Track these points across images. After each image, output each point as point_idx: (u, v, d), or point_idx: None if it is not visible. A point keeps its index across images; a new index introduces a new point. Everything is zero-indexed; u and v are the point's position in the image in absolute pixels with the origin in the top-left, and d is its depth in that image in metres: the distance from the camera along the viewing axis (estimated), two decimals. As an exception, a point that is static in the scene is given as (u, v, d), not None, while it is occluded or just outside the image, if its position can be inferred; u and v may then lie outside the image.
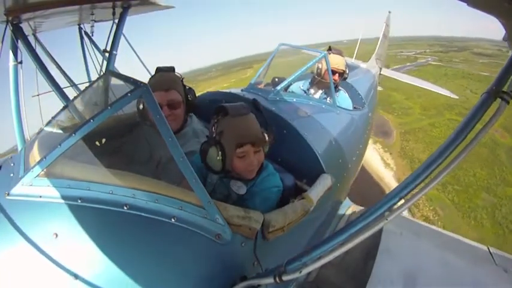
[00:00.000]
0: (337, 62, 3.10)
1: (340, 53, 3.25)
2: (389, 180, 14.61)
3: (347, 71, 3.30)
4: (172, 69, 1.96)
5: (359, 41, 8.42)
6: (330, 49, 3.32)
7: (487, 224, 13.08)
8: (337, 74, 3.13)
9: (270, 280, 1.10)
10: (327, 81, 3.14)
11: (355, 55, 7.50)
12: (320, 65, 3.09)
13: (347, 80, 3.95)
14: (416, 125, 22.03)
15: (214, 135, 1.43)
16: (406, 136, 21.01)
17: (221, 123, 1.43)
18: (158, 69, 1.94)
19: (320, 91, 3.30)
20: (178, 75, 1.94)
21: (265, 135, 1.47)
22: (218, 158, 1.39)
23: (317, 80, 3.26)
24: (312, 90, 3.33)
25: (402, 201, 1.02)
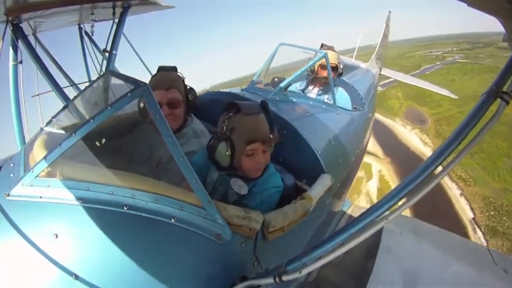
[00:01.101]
0: (329, 57, 3.11)
1: (331, 49, 3.27)
2: (428, 153, 16.98)
3: (341, 66, 3.32)
4: (174, 68, 1.95)
5: (359, 41, 8.41)
6: (322, 46, 3.35)
7: (509, 179, 17.69)
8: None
9: (270, 280, 1.10)
10: (321, 77, 3.19)
11: (354, 55, 7.49)
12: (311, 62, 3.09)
13: (347, 80, 3.95)
14: (447, 113, 26.52)
15: (224, 130, 1.44)
16: (439, 122, 26.04)
17: (232, 120, 1.44)
18: (160, 69, 1.94)
19: (316, 88, 3.31)
20: (179, 74, 1.94)
21: (272, 136, 1.48)
22: (227, 153, 1.40)
23: (312, 77, 3.29)
24: (309, 88, 3.34)
25: (402, 201, 1.02)
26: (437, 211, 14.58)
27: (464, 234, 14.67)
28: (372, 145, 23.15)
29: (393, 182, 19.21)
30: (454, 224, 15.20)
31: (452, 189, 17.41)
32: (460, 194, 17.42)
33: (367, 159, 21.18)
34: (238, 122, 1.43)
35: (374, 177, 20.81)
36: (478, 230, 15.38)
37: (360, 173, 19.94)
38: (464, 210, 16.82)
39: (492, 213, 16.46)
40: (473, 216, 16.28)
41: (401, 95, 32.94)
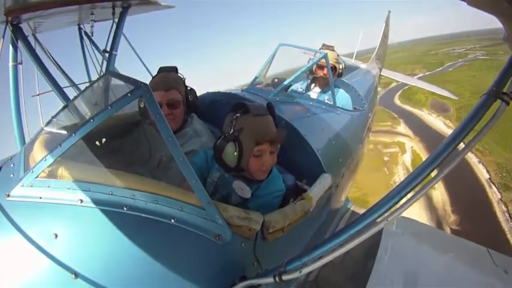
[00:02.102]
0: (329, 57, 3.11)
1: (331, 49, 3.28)
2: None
3: (340, 66, 3.33)
4: (174, 69, 1.96)
5: (359, 41, 8.42)
6: (322, 46, 3.37)
7: (521, 151, 21.30)
8: (326, 69, 3.13)
9: (270, 280, 1.10)
10: (320, 76, 3.21)
11: (354, 56, 7.49)
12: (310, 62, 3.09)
13: (348, 81, 3.96)
14: (467, 103, 29.14)
15: (232, 131, 1.43)
16: (460, 110, 29.60)
17: (241, 120, 1.44)
18: (160, 69, 1.95)
19: (317, 89, 3.32)
20: (180, 75, 1.94)
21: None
22: (235, 154, 1.40)
23: (311, 78, 3.31)
24: (309, 89, 3.36)
25: (402, 201, 1.02)
26: (461, 174, 19.42)
27: (482, 190, 19.63)
28: (404, 129, 30.12)
29: (423, 155, 23.91)
30: (475, 183, 20.33)
31: (472, 158, 22.26)
32: (478, 162, 22.32)
33: (401, 138, 28.04)
34: (246, 123, 1.43)
35: (407, 152, 26.04)
36: (493, 186, 20.01)
37: (395, 149, 26.45)
38: (482, 173, 21.46)
39: (504, 174, 21.14)
40: (489, 176, 20.96)
41: (427, 90, 35.99)
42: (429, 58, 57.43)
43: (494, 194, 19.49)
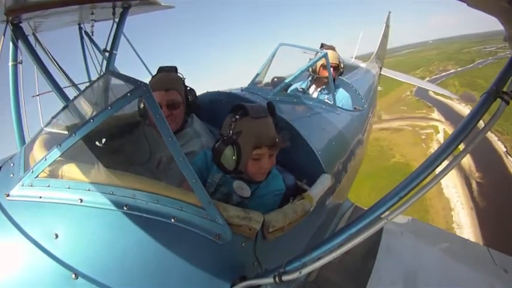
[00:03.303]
0: (329, 56, 3.11)
1: (331, 49, 3.28)
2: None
3: (342, 65, 3.33)
4: (174, 69, 1.95)
5: (359, 41, 8.41)
6: (322, 46, 3.37)
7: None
8: (331, 69, 3.14)
9: (270, 280, 1.10)
10: (322, 77, 3.20)
11: (354, 56, 7.49)
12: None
13: (348, 81, 3.96)
14: None
15: (231, 134, 1.42)
16: None
17: (240, 123, 1.42)
18: (160, 69, 1.94)
19: (317, 88, 3.32)
20: (180, 75, 1.93)
21: (278, 140, 1.47)
22: (234, 157, 1.39)
23: (314, 77, 3.30)
24: (310, 89, 3.35)
25: (402, 201, 1.02)
26: (483, 148, 23.45)
27: (501, 160, 23.44)
28: (437, 115, 33.74)
29: (453, 134, 29.84)
30: (494, 154, 24.14)
31: (492, 137, 25.48)
32: (498, 140, 25.68)
33: (434, 122, 32.10)
34: (245, 126, 1.41)
35: (440, 132, 30.17)
36: (509, 156, 23.68)
37: (430, 130, 30.68)
38: (500, 147, 24.99)
39: (519, 149, 25.58)
40: (505, 150, 24.54)
41: (458, 83, 42.48)
42: (461, 55, 61.10)
43: (509, 162, 23.84)
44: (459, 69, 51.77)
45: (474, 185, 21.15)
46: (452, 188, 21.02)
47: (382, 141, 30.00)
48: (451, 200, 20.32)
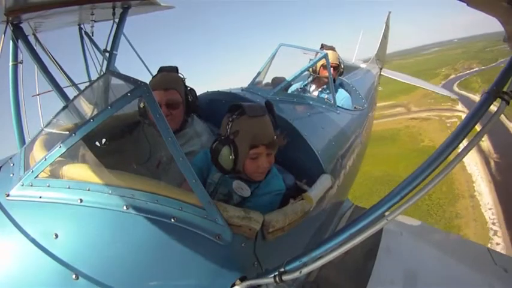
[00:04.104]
0: (329, 57, 3.12)
1: (331, 49, 3.29)
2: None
3: (342, 65, 3.35)
4: (175, 69, 1.95)
5: (359, 41, 8.42)
6: (322, 46, 3.37)
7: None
8: (331, 69, 3.15)
9: (270, 280, 1.10)
10: (323, 76, 3.21)
11: (354, 56, 7.49)
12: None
13: (348, 81, 3.95)
14: None
15: (228, 133, 1.42)
16: None
17: (236, 123, 1.42)
18: (161, 69, 1.94)
19: (317, 88, 3.32)
20: (180, 75, 1.94)
21: (276, 138, 1.47)
22: (231, 157, 1.39)
23: (314, 77, 3.30)
24: (310, 89, 3.35)
25: (402, 201, 1.02)
26: (498, 131, 26.85)
27: None
28: (461, 107, 36.44)
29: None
30: (510, 138, 27.09)
31: (506, 122, 28.73)
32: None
33: (459, 113, 35.00)
34: (242, 125, 1.41)
35: None
36: None
37: (455, 120, 33.79)
38: None
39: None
40: None
41: (480, 81, 45.63)
42: (485, 54, 64.20)
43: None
44: (482, 67, 55.23)
45: (492, 163, 25.41)
46: (473, 166, 25.68)
47: (412, 128, 35.97)
48: (473, 174, 24.93)
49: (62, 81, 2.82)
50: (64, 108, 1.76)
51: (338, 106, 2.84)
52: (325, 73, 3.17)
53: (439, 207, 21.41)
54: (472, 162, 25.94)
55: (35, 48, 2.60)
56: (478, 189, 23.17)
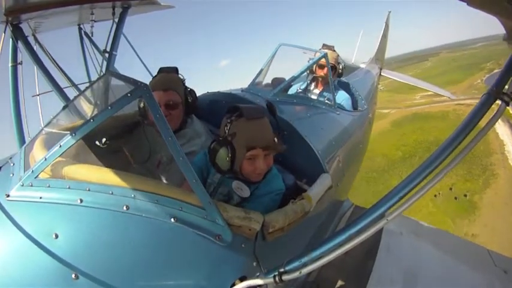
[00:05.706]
0: (328, 57, 3.10)
1: (331, 49, 3.29)
2: None
3: (340, 66, 3.34)
4: (174, 69, 1.95)
5: (358, 41, 8.41)
6: (323, 46, 3.37)
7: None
8: (326, 68, 3.12)
9: (270, 280, 1.10)
10: (319, 76, 3.22)
11: (354, 57, 7.49)
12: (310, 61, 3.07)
13: (348, 81, 3.95)
14: None
15: (226, 135, 1.43)
16: None
17: (234, 125, 1.43)
18: (161, 70, 1.94)
19: (317, 89, 3.32)
20: (180, 76, 1.94)
21: (276, 140, 1.47)
22: (227, 159, 1.39)
23: (311, 77, 3.31)
24: (309, 89, 3.36)
25: (402, 201, 1.02)
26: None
27: None
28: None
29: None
30: None
31: None
32: None
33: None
34: (239, 127, 1.41)
35: None
36: None
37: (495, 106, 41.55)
38: None
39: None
40: None
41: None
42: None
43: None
44: (525, 63, 63.81)
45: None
46: (505, 135, 36.24)
47: (459, 111, 45.44)
48: (504, 140, 35.16)
49: (62, 82, 2.82)
50: (64, 108, 1.76)
51: (338, 107, 2.84)
52: (320, 72, 3.18)
53: (478, 158, 33.26)
54: (504, 133, 37.38)
55: (35, 48, 2.60)
56: (508, 149, 35.63)
